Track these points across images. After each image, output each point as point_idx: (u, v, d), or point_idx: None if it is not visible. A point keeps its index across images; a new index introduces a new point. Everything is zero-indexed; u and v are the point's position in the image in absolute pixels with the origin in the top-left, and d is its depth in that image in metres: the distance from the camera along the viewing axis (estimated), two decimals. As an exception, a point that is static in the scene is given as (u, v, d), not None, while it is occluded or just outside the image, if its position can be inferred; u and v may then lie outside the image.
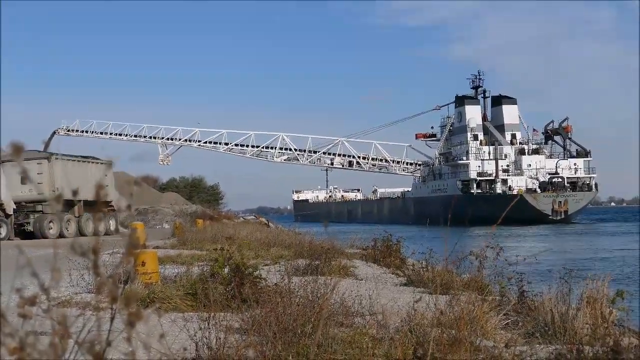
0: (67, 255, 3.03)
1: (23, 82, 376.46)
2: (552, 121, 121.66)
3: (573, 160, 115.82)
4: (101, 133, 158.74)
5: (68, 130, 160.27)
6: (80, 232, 44.17)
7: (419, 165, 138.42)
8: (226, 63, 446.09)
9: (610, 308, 9.47)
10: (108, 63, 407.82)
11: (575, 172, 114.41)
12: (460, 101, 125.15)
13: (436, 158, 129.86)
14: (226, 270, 12.54)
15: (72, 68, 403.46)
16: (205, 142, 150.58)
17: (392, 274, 18.94)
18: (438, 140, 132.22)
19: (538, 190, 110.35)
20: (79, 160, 47.55)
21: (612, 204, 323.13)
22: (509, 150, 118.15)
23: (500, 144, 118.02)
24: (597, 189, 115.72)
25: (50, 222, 43.32)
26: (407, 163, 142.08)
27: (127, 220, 52.48)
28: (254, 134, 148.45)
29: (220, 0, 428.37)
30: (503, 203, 9.33)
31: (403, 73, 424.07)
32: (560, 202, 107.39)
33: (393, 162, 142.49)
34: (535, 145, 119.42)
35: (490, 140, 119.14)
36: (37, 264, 2.70)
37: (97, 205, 2.67)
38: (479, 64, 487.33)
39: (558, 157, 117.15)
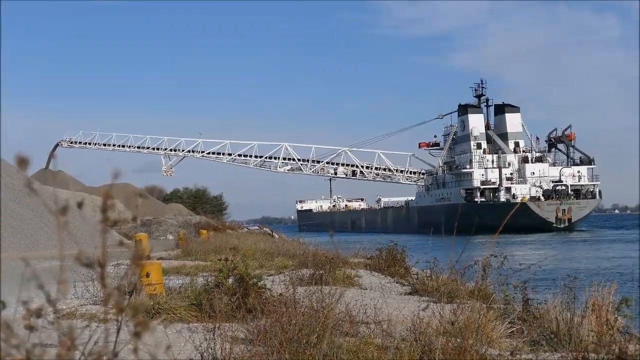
0: (71, 267, 3.03)
1: (25, 92, 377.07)
2: (555, 129, 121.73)
3: (576, 168, 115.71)
4: (104, 145, 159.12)
5: (71, 142, 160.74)
6: None
7: (423, 174, 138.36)
8: (230, 73, 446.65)
9: (616, 315, 9.45)
10: (109, 72, 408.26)
11: (578, 180, 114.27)
12: (463, 110, 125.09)
13: (439, 167, 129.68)
14: (230, 280, 12.54)
15: (75, 78, 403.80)
16: (209, 153, 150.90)
17: (397, 283, 18.93)
18: (441, 149, 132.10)
19: (542, 198, 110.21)
20: None
21: (616, 211, 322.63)
22: (512, 158, 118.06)
23: (503, 153, 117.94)
24: (600, 197, 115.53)
25: None
26: (410, 172, 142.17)
27: (132, 232, 52.52)
28: (257, 144, 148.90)
29: (225, 9, 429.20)
30: (507, 211, 9.30)
31: (406, 82, 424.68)
32: (564, 209, 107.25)
33: (396, 171, 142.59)
34: (538, 153, 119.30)
35: (494, 149, 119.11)
36: (43, 276, 2.71)
37: None
38: (482, 72, 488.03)
39: (561, 165, 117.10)
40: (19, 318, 2.62)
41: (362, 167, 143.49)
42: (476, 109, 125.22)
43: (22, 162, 2.39)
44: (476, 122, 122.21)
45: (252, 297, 11.79)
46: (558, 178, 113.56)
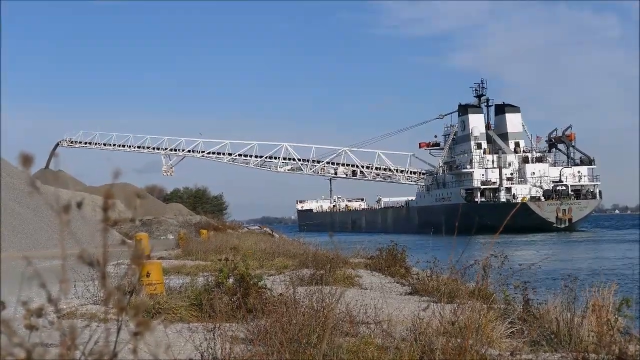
0: (72, 267, 3.03)
1: (25, 92, 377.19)
2: (556, 129, 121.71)
3: (577, 168, 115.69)
4: (104, 144, 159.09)
5: (71, 142, 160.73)
6: None
7: (423, 174, 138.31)
8: (230, 73, 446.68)
9: (616, 316, 9.45)
10: (109, 72, 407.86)
11: (579, 180, 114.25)
12: (464, 110, 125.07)
13: (440, 167, 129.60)
14: (231, 280, 12.53)
15: (75, 78, 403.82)
16: (209, 153, 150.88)
17: (397, 283, 18.92)
18: (442, 149, 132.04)
19: (542, 198, 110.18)
20: None
21: (616, 211, 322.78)
22: (512, 158, 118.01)
23: (503, 153, 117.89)
24: (601, 197, 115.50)
25: None
26: (410, 172, 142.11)
27: (132, 231, 52.54)
28: (257, 144, 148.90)
29: (225, 9, 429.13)
30: (507, 211, 9.28)
31: (406, 82, 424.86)
32: (565, 210, 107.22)
33: (397, 171, 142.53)
34: (538, 154, 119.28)
35: (494, 149, 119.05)
36: (44, 275, 2.71)
37: None
38: (482, 72, 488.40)
39: (562, 165, 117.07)
40: (19, 318, 2.62)
41: (362, 167, 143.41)
42: (476, 109, 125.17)
43: (26, 160, 2.39)
44: (476, 122, 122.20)
45: (253, 297, 11.78)
46: (558, 178, 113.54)
